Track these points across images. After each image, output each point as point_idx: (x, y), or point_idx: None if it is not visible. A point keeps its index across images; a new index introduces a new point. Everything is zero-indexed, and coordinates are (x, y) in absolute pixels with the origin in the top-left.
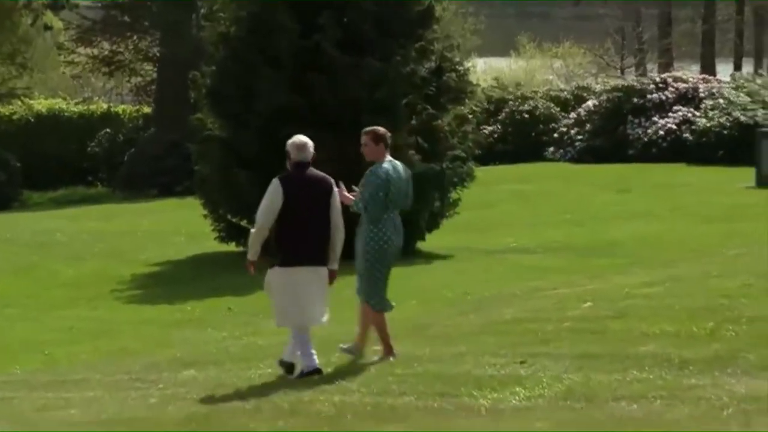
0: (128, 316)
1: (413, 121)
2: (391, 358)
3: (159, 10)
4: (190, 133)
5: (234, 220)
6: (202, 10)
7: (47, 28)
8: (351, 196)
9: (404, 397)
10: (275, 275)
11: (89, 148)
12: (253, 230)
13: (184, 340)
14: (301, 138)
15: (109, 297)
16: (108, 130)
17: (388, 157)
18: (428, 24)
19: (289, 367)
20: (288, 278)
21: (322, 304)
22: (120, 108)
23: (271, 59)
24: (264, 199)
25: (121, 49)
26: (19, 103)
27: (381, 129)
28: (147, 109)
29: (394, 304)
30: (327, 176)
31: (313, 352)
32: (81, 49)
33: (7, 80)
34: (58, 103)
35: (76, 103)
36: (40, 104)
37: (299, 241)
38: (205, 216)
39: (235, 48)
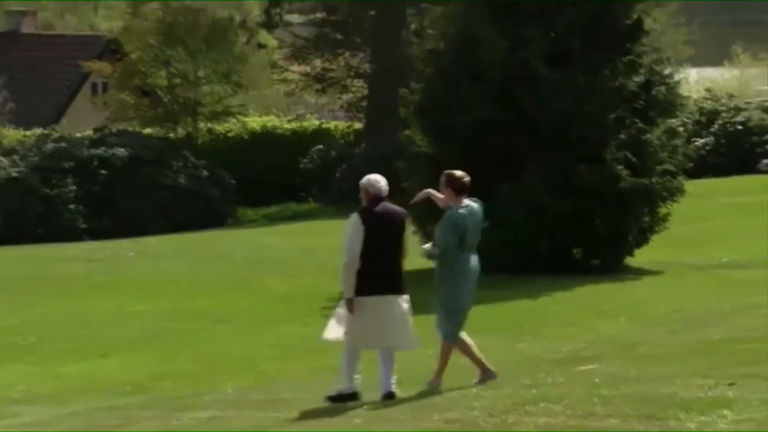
0: None
1: (622, 136)
2: (432, 385)
3: (370, 27)
4: (400, 149)
5: None
6: (413, 26)
7: (261, 46)
8: (440, 195)
9: (609, 419)
10: (356, 303)
11: (302, 165)
12: (343, 265)
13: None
14: (375, 175)
15: (321, 313)
16: (320, 146)
17: (465, 201)
18: (637, 37)
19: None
20: (366, 306)
21: (396, 334)
22: (332, 124)
23: (477, 74)
24: (347, 234)
25: (333, 66)
26: (234, 120)
27: (457, 172)
28: (358, 125)
29: (462, 339)
30: (402, 209)
31: (384, 386)
32: (294, 67)
33: (223, 98)
34: (272, 121)
35: (289, 120)
36: (255, 122)
37: (378, 271)
38: (414, 232)
39: (442, 63)
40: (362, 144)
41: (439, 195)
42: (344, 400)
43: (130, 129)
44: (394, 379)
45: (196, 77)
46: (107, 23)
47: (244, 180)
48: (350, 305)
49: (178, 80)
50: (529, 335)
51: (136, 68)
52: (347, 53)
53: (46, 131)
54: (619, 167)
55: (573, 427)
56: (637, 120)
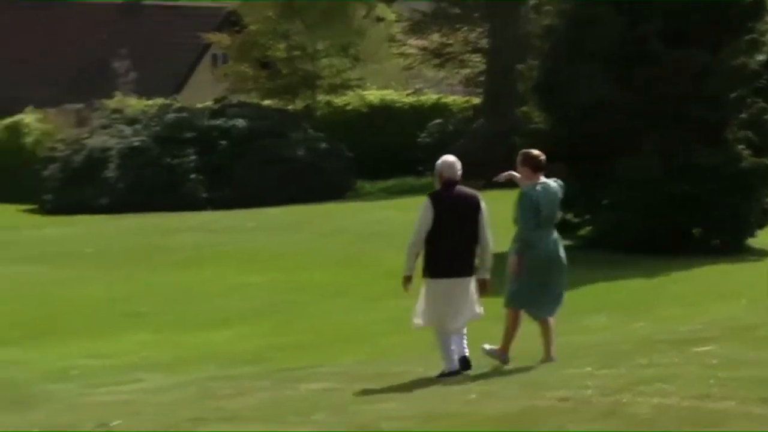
0: None
1: (743, 115)
2: (504, 357)
3: (489, 1)
4: (517, 125)
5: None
6: (531, 2)
7: (380, 20)
8: (517, 174)
9: (725, 401)
10: (427, 285)
11: (419, 139)
12: (407, 245)
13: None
14: (450, 157)
15: None
16: (438, 120)
17: (542, 179)
18: (759, 15)
19: (462, 364)
20: (438, 288)
21: (465, 310)
22: (450, 99)
23: (593, 52)
24: (418, 217)
25: (451, 41)
26: (353, 93)
27: (533, 151)
28: (476, 100)
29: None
30: (475, 193)
31: (458, 352)
32: (412, 41)
33: (341, 72)
34: (390, 94)
35: (408, 94)
36: (373, 95)
37: (448, 255)
38: None
39: (558, 41)
40: (480, 119)
41: (518, 175)
42: (448, 376)
43: (250, 100)
44: (465, 343)
45: (314, 50)
46: None
47: (362, 153)
48: (407, 282)
49: (296, 53)
50: (646, 315)
51: (255, 40)
52: (465, 28)
53: (167, 101)
54: (740, 147)
55: (687, 409)
56: (758, 99)
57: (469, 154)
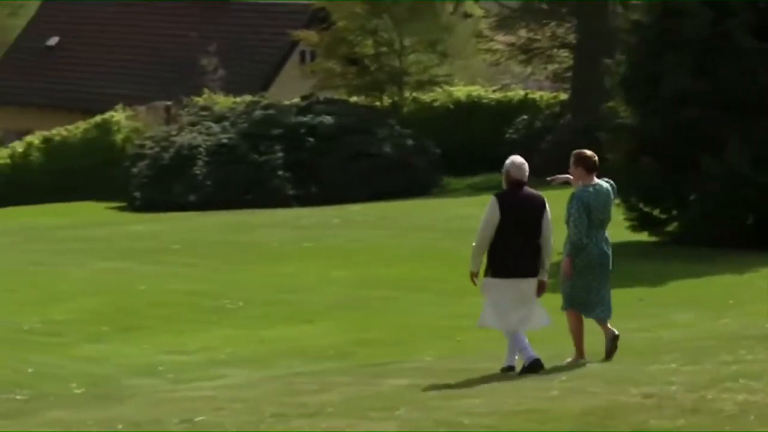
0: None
1: None
2: (581, 360)
3: None
4: (603, 120)
5: (646, 209)
6: None
7: (467, 16)
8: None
9: None
10: (489, 284)
11: (507, 135)
12: (473, 244)
13: (591, 330)
14: (518, 158)
15: None
16: (525, 116)
17: (595, 180)
18: None
19: (508, 369)
20: (499, 287)
21: (530, 310)
22: (537, 95)
23: (680, 44)
24: (483, 216)
25: (538, 37)
26: (440, 90)
27: (587, 151)
28: (563, 96)
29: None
30: (540, 194)
31: (528, 345)
32: (499, 37)
33: (429, 68)
34: (477, 90)
35: (494, 90)
36: (460, 91)
37: (512, 254)
38: (617, 205)
39: (645, 35)
40: (567, 115)
41: (572, 177)
42: (530, 371)
43: (337, 97)
44: (515, 356)
45: (401, 46)
46: None
47: (449, 149)
48: (474, 278)
49: (384, 49)
50: (733, 311)
51: (342, 37)
52: (553, 23)
53: (255, 98)
54: None
55: None
56: None
57: (556, 149)
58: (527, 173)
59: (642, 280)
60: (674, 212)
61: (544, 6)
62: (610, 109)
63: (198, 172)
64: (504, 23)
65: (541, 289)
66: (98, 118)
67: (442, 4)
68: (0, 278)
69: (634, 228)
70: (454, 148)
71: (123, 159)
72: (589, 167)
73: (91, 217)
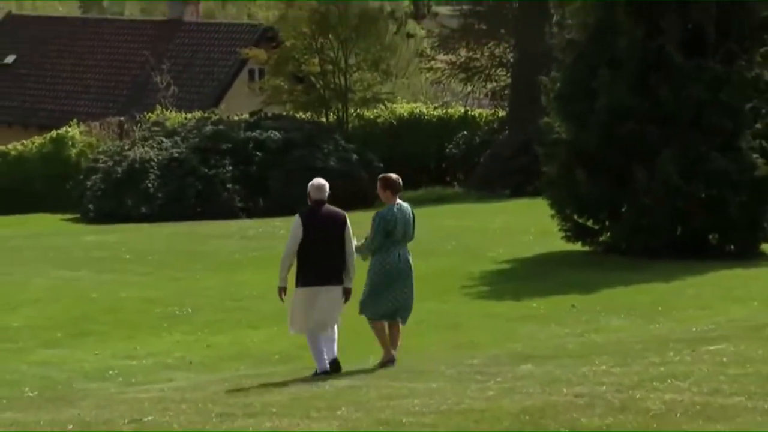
0: (476, 310)
1: (757, 125)
2: (390, 365)
3: (515, 18)
4: (540, 135)
5: (580, 220)
6: (555, 18)
7: (410, 36)
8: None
9: (734, 397)
10: (297, 293)
11: (447, 150)
12: (281, 259)
13: (526, 335)
14: (319, 180)
15: (459, 292)
16: (465, 132)
17: (398, 201)
18: None
19: (333, 366)
20: (306, 295)
21: (333, 314)
22: (476, 112)
23: (614, 61)
24: (290, 232)
25: (478, 56)
26: (383, 107)
27: (391, 176)
28: (502, 113)
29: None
30: (340, 211)
31: (329, 354)
32: (440, 56)
33: (372, 86)
34: (419, 107)
35: (436, 107)
36: (402, 108)
37: (316, 266)
38: (552, 216)
39: (580, 52)
40: (505, 131)
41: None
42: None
43: (284, 113)
44: (335, 348)
45: (346, 65)
46: (264, 12)
47: (391, 164)
48: (281, 293)
49: (329, 67)
50: (662, 317)
51: (290, 55)
52: (492, 43)
53: (205, 114)
54: (754, 156)
55: (699, 404)
56: None
57: (494, 164)
58: (327, 193)
59: (575, 287)
60: (607, 223)
61: (483, 26)
62: (546, 124)
63: (150, 185)
64: (445, 43)
65: (347, 294)
66: (53, 133)
67: (386, 24)
68: None
69: (569, 238)
70: (396, 162)
71: (77, 172)
72: (393, 189)
73: (47, 228)
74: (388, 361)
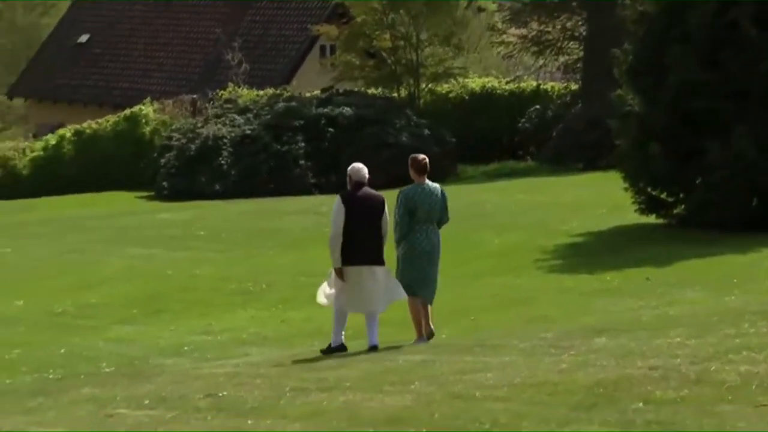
0: (549, 285)
1: None
2: (423, 340)
3: None
4: (613, 109)
5: (653, 193)
6: None
7: (481, 10)
8: None
9: None
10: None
11: (519, 124)
12: (329, 240)
13: (600, 309)
14: (358, 164)
15: (532, 266)
16: (537, 106)
17: (426, 181)
18: None
19: (339, 348)
20: (350, 274)
21: (380, 300)
22: (549, 85)
23: (686, 35)
24: (333, 213)
25: (550, 30)
26: (455, 82)
27: (418, 156)
28: (574, 86)
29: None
30: (379, 194)
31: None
32: (512, 30)
33: (444, 60)
34: (491, 82)
35: (508, 82)
36: (474, 83)
37: (358, 245)
38: (625, 189)
39: (651, 25)
40: (578, 104)
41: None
42: (333, 352)
43: (356, 89)
44: (377, 334)
45: (418, 40)
46: None
47: (463, 139)
48: (339, 273)
49: (401, 43)
50: (737, 289)
51: (361, 31)
52: (563, 16)
53: (277, 91)
54: None
55: None
56: None
57: (566, 138)
58: (367, 175)
59: (649, 260)
60: (681, 195)
61: (555, 0)
62: (618, 97)
63: (223, 162)
64: (516, 17)
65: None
66: (127, 111)
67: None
68: (35, 266)
69: (642, 211)
70: (469, 137)
71: (151, 150)
72: (419, 170)
73: (121, 207)
74: (419, 340)
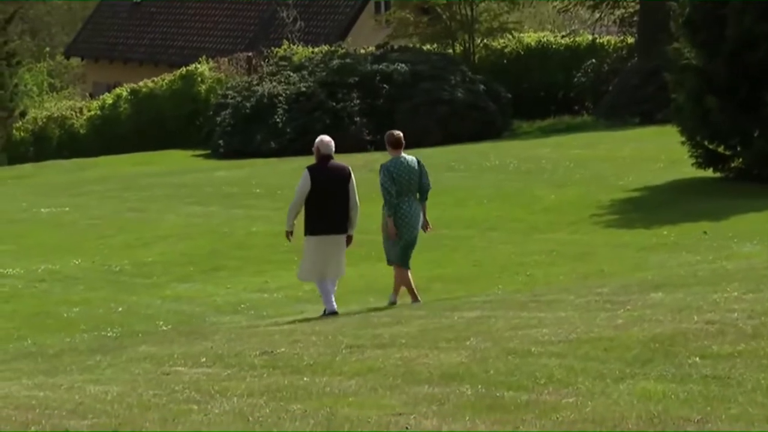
0: (606, 240)
1: None
2: (418, 303)
3: None
4: (669, 63)
5: (711, 146)
6: None
7: None
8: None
9: None
10: (307, 241)
11: (575, 79)
12: (289, 208)
13: (657, 264)
14: (325, 137)
15: (588, 221)
16: (593, 60)
17: (402, 154)
18: None
19: (332, 313)
20: (316, 243)
21: (340, 262)
22: (605, 39)
23: None
24: (299, 184)
25: None
26: (510, 36)
27: (393, 132)
28: (630, 40)
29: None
30: (346, 165)
31: (333, 298)
32: None
33: (499, 15)
34: (546, 36)
35: (563, 36)
36: (530, 37)
37: (323, 215)
38: (682, 143)
39: None
40: (634, 58)
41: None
42: (328, 317)
43: (410, 45)
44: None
45: None
46: None
47: (520, 94)
48: (288, 236)
49: None
50: None
51: None
52: None
53: (332, 48)
54: None
55: None
56: None
57: (623, 92)
58: (333, 149)
59: (706, 214)
60: (739, 149)
61: None
62: (675, 50)
63: (278, 119)
64: None
65: (348, 241)
66: (183, 70)
67: None
68: (93, 225)
69: (699, 165)
70: (524, 92)
71: (207, 109)
72: (393, 144)
73: (178, 165)
74: (415, 301)
